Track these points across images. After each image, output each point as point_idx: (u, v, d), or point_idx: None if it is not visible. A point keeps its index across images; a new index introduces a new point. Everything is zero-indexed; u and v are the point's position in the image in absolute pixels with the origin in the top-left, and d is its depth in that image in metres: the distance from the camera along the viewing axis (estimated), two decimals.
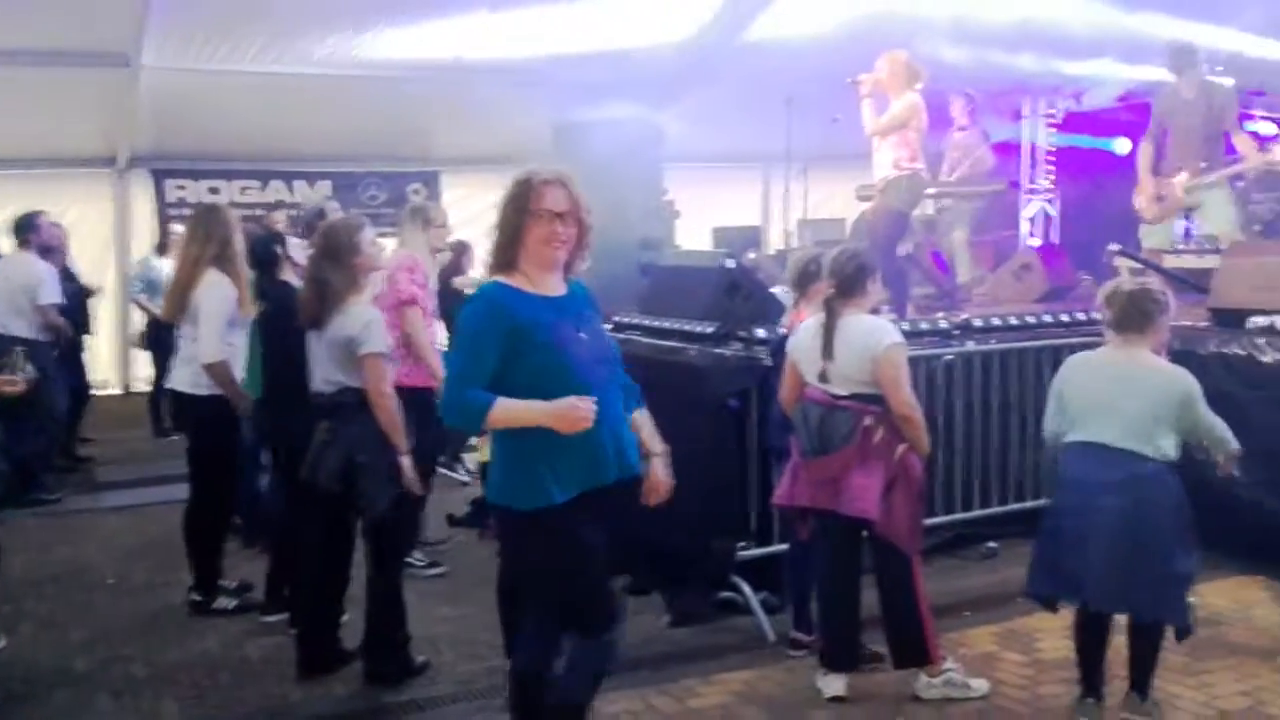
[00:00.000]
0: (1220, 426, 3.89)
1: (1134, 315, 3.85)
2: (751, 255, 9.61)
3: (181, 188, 11.52)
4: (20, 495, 7.26)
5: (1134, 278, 4.52)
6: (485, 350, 3.09)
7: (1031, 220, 11.93)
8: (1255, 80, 9.23)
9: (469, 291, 5.28)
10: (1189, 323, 5.98)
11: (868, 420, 4.11)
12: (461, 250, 7.81)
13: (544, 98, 9.78)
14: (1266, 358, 5.58)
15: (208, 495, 5.29)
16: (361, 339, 4.24)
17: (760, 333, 5.62)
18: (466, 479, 7.45)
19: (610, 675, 3.47)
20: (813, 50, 8.91)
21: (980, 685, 4.24)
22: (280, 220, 8.83)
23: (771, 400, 4.76)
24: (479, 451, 6.23)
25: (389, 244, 6.04)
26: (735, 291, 5.84)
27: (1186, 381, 3.80)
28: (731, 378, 5.29)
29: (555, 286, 3.24)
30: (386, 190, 12.19)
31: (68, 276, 8.34)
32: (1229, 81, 7.83)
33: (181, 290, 5.15)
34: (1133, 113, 10.82)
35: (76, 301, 8.36)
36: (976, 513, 5.98)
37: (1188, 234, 8.53)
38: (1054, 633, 4.53)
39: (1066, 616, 4.04)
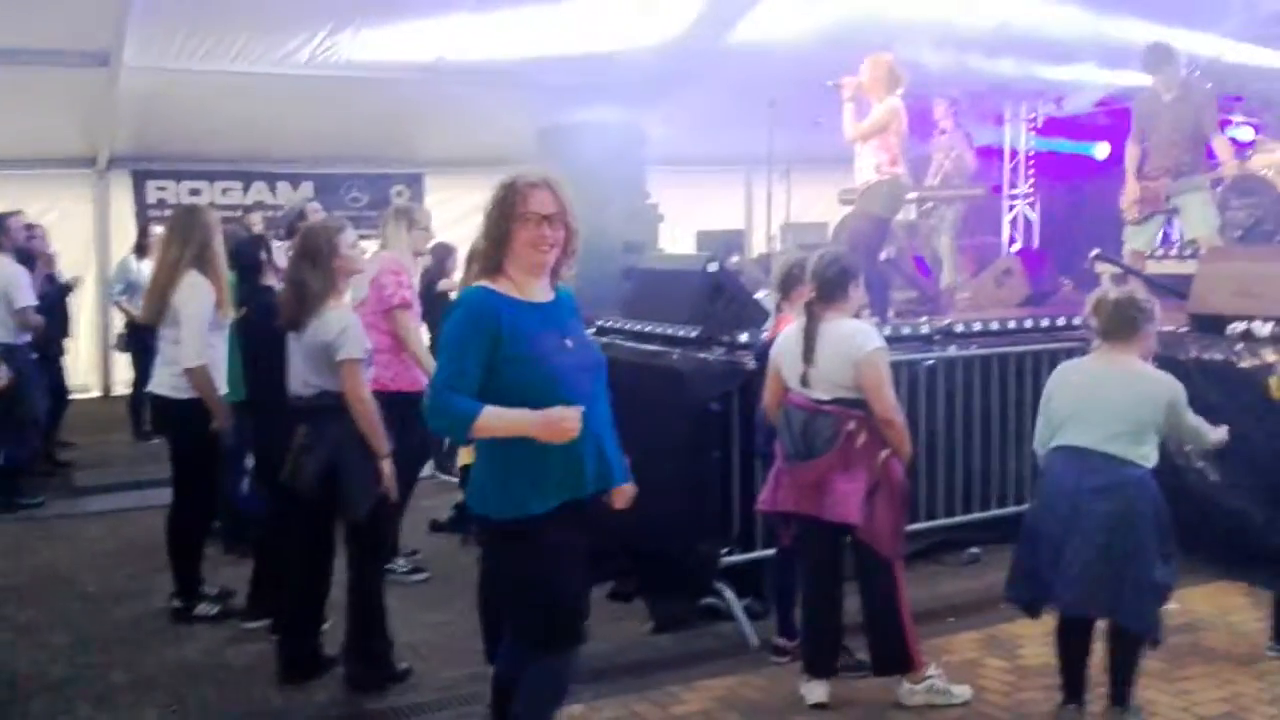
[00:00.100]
0: (1204, 428, 3.99)
1: (1121, 323, 3.89)
2: (734, 259, 9.62)
3: (162, 189, 11.46)
4: (3, 500, 7.22)
5: (1119, 286, 4.55)
6: (470, 356, 3.05)
7: (1013, 225, 11.99)
8: (1234, 85, 9.30)
9: (454, 295, 5.27)
10: (1169, 328, 6.00)
11: (850, 425, 4.11)
12: (445, 253, 7.78)
13: (528, 99, 9.79)
14: (1244, 363, 5.61)
15: (190, 499, 5.26)
16: (339, 344, 4.23)
17: (743, 337, 5.63)
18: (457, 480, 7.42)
19: (568, 695, 3.44)
20: (795, 53, 8.91)
21: (963, 692, 4.25)
22: (256, 221, 8.82)
23: (755, 404, 4.77)
24: (462, 455, 6.21)
25: (371, 246, 6.03)
26: (718, 295, 5.84)
27: (1174, 387, 3.86)
28: (714, 382, 5.29)
29: (542, 293, 3.20)
30: (369, 192, 12.15)
31: (49, 279, 8.29)
32: (1208, 85, 7.88)
33: (160, 292, 5.11)
34: (1112, 117, 10.90)
35: (57, 304, 8.29)
36: (959, 518, 5.99)
37: (1167, 239, 8.58)
38: (1036, 639, 4.55)
39: (1049, 623, 4.05)
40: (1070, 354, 5.93)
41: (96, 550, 6.52)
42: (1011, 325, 6.67)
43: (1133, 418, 3.79)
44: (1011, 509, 5.98)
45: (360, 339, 4.34)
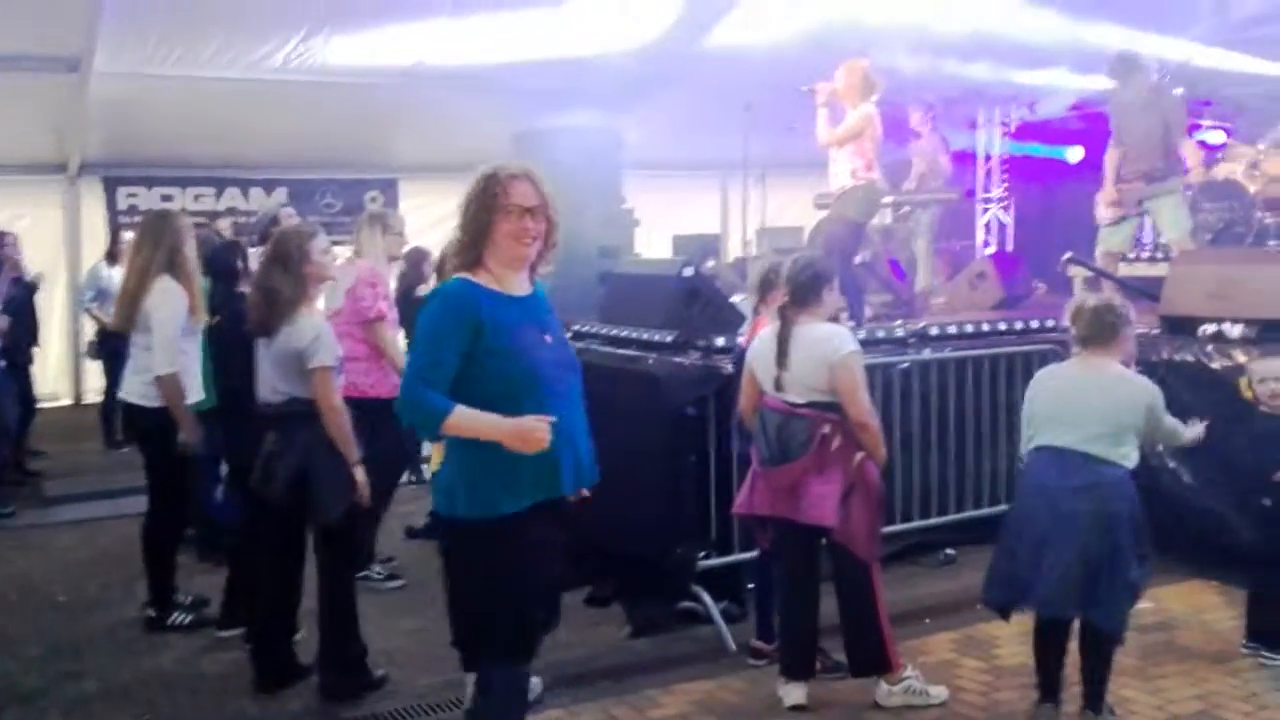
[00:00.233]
0: (1180, 430, 4.09)
1: (1100, 330, 3.95)
2: (710, 263, 9.63)
3: (133, 195, 11.35)
4: None
5: (1095, 294, 4.60)
6: (448, 348, 2.97)
7: (987, 229, 12.06)
8: (1205, 89, 9.39)
9: None
10: (1142, 329, 6.05)
11: (825, 428, 4.12)
12: (421, 258, 7.74)
13: (503, 104, 9.76)
14: (1216, 364, 5.67)
15: (164, 507, 5.21)
16: (311, 351, 4.21)
17: (719, 341, 5.63)
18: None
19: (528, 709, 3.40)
20: (771, 58, 8.94)
21: (939, 692, 4.27)
22: (225, 226, 8.75)
23: (732, 409, 4.77)
24: (434, 458, 6.18)
25: (345, 252, 6.00)
26: (694, 300, 5.85)
27: (1152, 391, 3.93)
28: (690, 386, 5.29)
29: (521, 286, 3.13)
30: (343, 198, 12.08)
31: (15, 282, 8.20)
32: (1178, 90, 7.96)
33: (131, 299, 5.04)
34: (1085, 122, 10.99)
35: (25, 307, 8.21)
36: (934, 520, 6.01)
37: (1140, 242, 8.65)
38: (1012, 639, 4.57)
39: (1025, 623, 4.08)
40: (1044, 356, 5.99)
41: (69, 560, 6.45)
42: (985, 328, 6.70)
43: (1113, 420, 3.85)
44: (986, 510, 6.03)
45: (332, 346, 4.31)
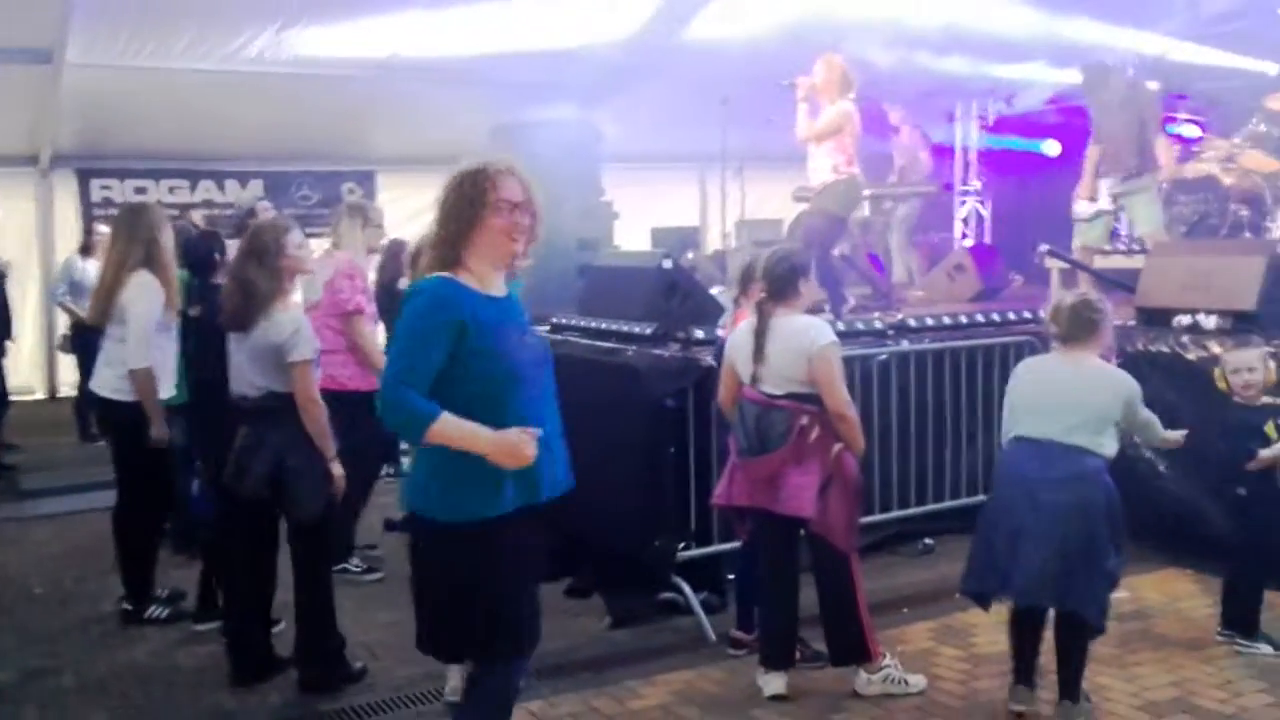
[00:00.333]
0: (1157, 426, 4.11)
1: (1079, 326, 3.99)
2: (689, 256, 9.65)
3: (107, 188, 11.29)
4: None
5: (1072, 291, 4.63)
6: (430, 348, 2.87)
7: (965, 221, 12.11)
8: (1179, 83, 9.46)
9: None
10: (1117, 321, 6.09)
11: (803, 420, 4.13)
12: (400, 249, 7.71)
13: (481, 97, 9.74)
14: (1191, 355, 5.72)
15: (136, 501, 5.17)
16: (290, 345, 4.18)
17: (698, 333, 5.63)
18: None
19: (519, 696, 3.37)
20: (748, 51, 8.96)
21: (918, 681, 4.28)
22: (199, 219, 8.70)
23: (711, 400, 4.78)
24: (410, 455, 6.17)
25: (322, 244, 5.97)
26: (673, 292, 5.85)
27: (1131, 385, 3.97)
28: (669, 378, 5.29)
29: (499, 286, 3.07)
30: (320, 190, 12.03)
31: None
32: (1154, 85, 8.02)
33: (107, 293, 4.99)
34: (1062, 115, 11.05)
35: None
36: (912, 510, 6.04)
37: (1116, 234, 8.71)
38: (990, 628, 4.59)
39: (1002, 612, 4.09)
40: (1021, 347, 6.03)
41: (44, 553, 6.40)
42: (963, 320, 6.74)
43: (1092, 413, 3.89)
44: (964, 500, 6.06)
45: (311, 340, 4.29)
